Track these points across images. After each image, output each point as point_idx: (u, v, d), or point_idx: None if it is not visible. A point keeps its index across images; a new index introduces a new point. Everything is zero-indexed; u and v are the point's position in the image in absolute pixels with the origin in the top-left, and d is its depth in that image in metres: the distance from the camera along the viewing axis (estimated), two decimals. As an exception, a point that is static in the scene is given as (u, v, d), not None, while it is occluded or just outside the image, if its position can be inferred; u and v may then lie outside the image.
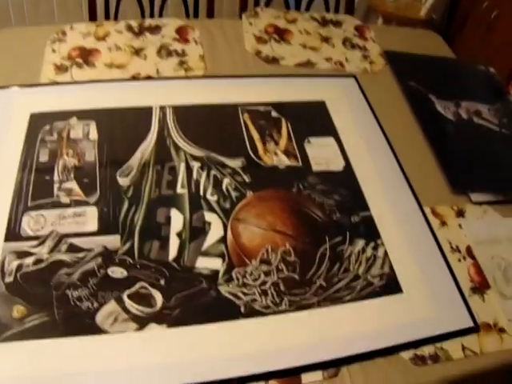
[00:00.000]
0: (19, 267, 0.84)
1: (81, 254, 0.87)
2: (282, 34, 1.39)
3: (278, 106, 1.17)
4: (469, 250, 0.96)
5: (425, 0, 2.56)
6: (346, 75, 1.30)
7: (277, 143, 1.09)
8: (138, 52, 1.27)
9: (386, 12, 2.59)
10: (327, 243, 0.94)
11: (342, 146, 1.11)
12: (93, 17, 1.59)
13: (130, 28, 1.35)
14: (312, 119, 1.17)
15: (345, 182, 1.05)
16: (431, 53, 1.45)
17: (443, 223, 1.00)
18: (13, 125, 1.09)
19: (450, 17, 2.80)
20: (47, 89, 1.18)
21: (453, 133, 1.21)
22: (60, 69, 1.22)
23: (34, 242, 0.88)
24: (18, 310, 0.80)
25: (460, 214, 1.02)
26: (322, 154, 1.09)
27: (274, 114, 1.15)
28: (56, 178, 1.00)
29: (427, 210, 1.01)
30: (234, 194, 1.00)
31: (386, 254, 0.93)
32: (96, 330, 0.78)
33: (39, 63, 1.24)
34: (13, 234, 0.88)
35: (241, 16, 1.46)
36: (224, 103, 1.17)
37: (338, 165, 1.08)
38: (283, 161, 1.07)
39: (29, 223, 0.91)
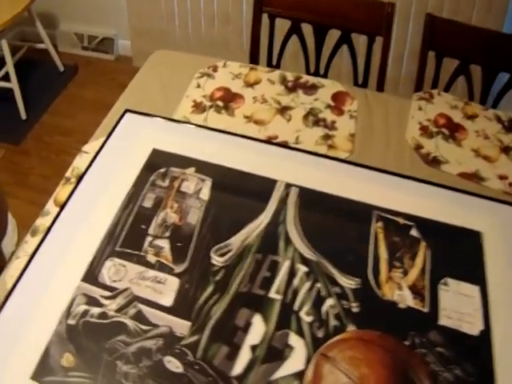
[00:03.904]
0: (84, 313, 0.82)
1: (145, 327, 0.80)
2: (453, 131, 1.15)
3: (421, 224, 0.95)
4: None
5: None
6: (520, 204, 1.03)
7: (406, 273, 0.88)
8: (282, 111, 1.14)
9: None
10: None
11: (486, 302, 0.87)
12: (254, 61, 1.49)
13: (284, 80, 1.23)
14: (460, 254, 0.93)
15: (476, 353, 0.81)
16: None
17: None
18: (132, 155, 1.04)
19: None
20: (178, 126, 1.10)
21: None
22: (198, 107, 1.13)
23: (107, 293, 0.84)
24: (68, 359, 0.79)
25: None
26: (457, 306, 0.86)
27: (413, 232, 0.94)
28: (151, 230, 0.93)
29: None
30: (332, 322, 0.82)
31: None
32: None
33: (181, 94, 1.17)
34: (91, 276, 0.86)
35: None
36: (358, 200, 0.98)
37: (473, 327, 0.84)
38: (406, 299, 0.86)
39: (109, 270, 0.88)
